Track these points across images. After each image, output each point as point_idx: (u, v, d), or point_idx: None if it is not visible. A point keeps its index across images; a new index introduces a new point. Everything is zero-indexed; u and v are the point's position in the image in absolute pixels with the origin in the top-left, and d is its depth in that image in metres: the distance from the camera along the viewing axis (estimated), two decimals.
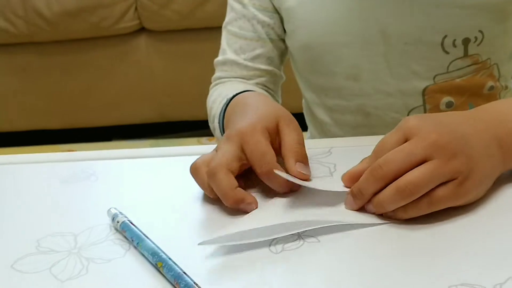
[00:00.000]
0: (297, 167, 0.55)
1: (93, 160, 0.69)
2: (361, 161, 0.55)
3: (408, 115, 0.78)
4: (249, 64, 0.82)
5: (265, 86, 0.83)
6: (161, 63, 2.10)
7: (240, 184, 0.54)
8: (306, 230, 0.51)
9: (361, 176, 0.53)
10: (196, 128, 2.21)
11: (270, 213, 0.53)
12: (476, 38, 0.73)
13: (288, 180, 0.54)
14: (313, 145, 0.60)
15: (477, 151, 0.51)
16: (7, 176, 0.68)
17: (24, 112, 2.23)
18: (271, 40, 0.82)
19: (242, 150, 0.56)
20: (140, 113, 2.21)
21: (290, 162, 0.55)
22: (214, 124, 0.77)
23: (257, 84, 0.82)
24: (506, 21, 0.75)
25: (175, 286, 0.45)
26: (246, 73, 0.82)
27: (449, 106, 0.77)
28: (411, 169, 0.49)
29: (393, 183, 0.50)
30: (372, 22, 0.74)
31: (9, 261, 0.51)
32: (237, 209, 0.54)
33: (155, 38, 2.08)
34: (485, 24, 0.73)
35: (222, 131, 0.74)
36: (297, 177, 0.54)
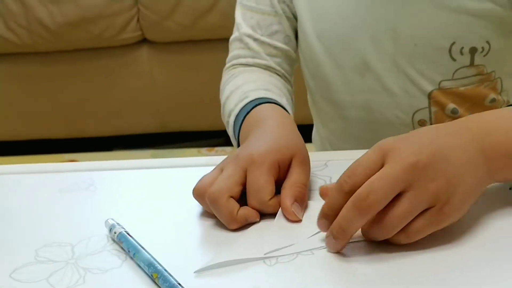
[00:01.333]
0: (293, 207, 0.55)
1: (93, 170, 0.70)
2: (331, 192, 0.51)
3: (413, 116, 0.78)
4: (267, 40, 0.81)
5: (281, 68, 0.82)
6: (163, 74, 2.11)
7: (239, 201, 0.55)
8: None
9: (336, 208, 0.50)
10: (197, 138, 2.21)
11: (265, 238, 0.53)
12: (483, 48, 0.74)
13: (275, 210, 0.55)
14: (309, 158, 0.60)
15: (459, 168, 0.50)
16: (7, 186, 0.68)
17: (26, 121, 2.24)
18: (287, 18, 0.82)
19: (246, 176, 0.56)
20: (141, 123, 2.22)
21: (288, 199, 0.55)
22: (229, 120, 0.76)
23: (275, 65, 0.81)
24: (511, 37, 0.76)
25: None
26: (262, 50, 0.81)
27: (455, 113, 0.78)
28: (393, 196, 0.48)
29: (376, 218, 0.48)
30: (381, 19, 0.75)
31: (8, 270, 0.51)
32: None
33: (157, 49, 2.09)
34: (492, 35, 0.74)
35: (237, 136, 0.73)
36: (288, 216, 0.55)
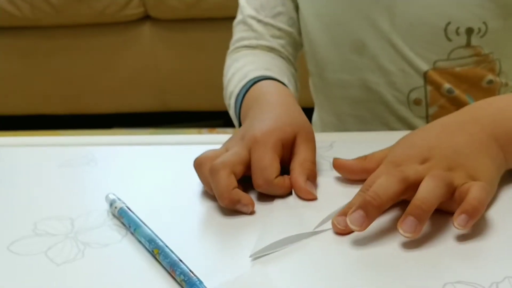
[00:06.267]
0: (307, 186, 0.54)
1: (93, 145, 0.69)
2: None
3: (408, 94, 0.78)
4: (270, 21, 0.81)
5: (285, 50, 0.82)
6: (165, 52, 2.10)
7: (239, 187, 0.54)
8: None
9: (353, 170, 0.54)
10: (197, 119, 2.21)
11: (293, 217, 0.52)
12: (479, 29, 0.74)
13: (282, 188, 0.55)
14: (316, 139, 0.59)
15: (477, 159, 0.51)
16: (6, 158, 0.68)
17: (25, 96, 2.23)
18: (291, 0, 0.82)
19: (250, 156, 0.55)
20: (142, 102, 2.21)
21: (301, 177, 0.54)
22: (230, 102, 0.76)
23: (279, 47, 0.81)
24: (510, 18, 0.75)
25: (171, 273, 0.45)
26: (266, 32, 0.81)
27: (450, 92, 0.78)
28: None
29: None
30: None
31: (5, 242, 0.51)
32: (233, 209, 0.53)
33: (160, 26, 2.08)
34: (489, 16, 0.74)
35: (238, 116, 0.73)
36: (303, 195, 0.54)
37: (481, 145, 0.51)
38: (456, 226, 0.46)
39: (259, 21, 0.81)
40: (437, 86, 0.78)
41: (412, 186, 0.49)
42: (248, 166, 0.55)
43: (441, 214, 0.50)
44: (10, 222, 0.55)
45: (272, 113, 0.61)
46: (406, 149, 0.53)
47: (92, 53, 2.13)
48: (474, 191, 0.48)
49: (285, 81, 0.74)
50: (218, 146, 0.59)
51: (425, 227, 0.49)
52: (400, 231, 0.46)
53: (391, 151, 0.55)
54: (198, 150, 0.58)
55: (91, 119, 2.27)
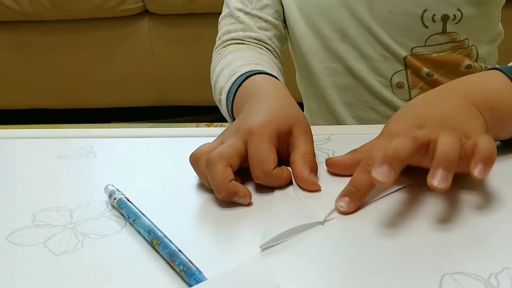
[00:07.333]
0: (312, 177, 0.54)
1: (92, 138, 0.69)
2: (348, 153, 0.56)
3: (391, 78, 0.81)
4: (258, 13, 0.82)
5: (272, 42, 0.83)
6: (163, 46, 2.10)
7: (237, 178, 0.54)
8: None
9: (347, 165, 0.55)
10: (195, 113, 2.21)
11: (301, 208, 0.52)
12: (455, 16, 0.77)
13: (281, 179, 0.55)
14: (313, 132, 0.59)
15: (465, 122, 0.53)
16: (6, 150, 0.68)
17: (24, 90, 2.23)
18: None
19: (246, 148, 0.55)
20: (140, 96, 2.21)
21: (305, 171, 0.54)
22: (221, 97, 0.75)
23: (266, 38, 0.82)
24: (484, 6, 0.78)
25: (170, 263, 0.45)
26: (253, 23, 0.82)
27: (430, 76, 0.80)
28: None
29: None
30: None
31: (4, 233, 0.51)
32: (230, 201, 0.53)
33: (158, 21, 2.08)
34: (463, 3, 0.76)
35: (231, 111, 0.73)
36: (308, 187, 0.54)
37: (464, 110, 0.54)
38: (476, 175, 0.46)
39: (246, 13, 0.82)
40: (416, 70, 0.80)
41: (423, 147, 0.50)
42: (244, 158, 0.55)
43: (440, 206, 0.50)
44: (9, 213, 0.55)
45: (266, 106, 0.61)
46: (399, 122, 0.55)
47: (90, 47, 2.13)
48: (483, 143, 0.48)
49: (275, 74, 0.74)
50: None
51: (424, 219, 0.49)
52: (434, 183, 0.45)
53: (383, 129, 0.56)
54: (196, 143, 0.58)
55: (89, 113, 2.27)
